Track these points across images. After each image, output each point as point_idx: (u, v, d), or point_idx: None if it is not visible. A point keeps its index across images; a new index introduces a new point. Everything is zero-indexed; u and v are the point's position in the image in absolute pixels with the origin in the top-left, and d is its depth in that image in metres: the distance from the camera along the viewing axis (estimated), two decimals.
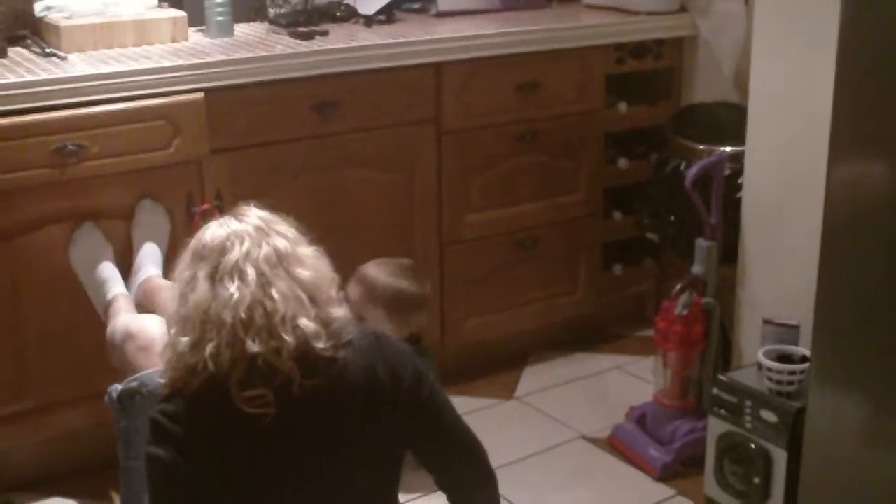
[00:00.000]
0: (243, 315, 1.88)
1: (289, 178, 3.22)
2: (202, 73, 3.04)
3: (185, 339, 1.91)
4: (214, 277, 1.91)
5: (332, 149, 3.29)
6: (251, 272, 1.91)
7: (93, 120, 2.91)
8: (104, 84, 2.92)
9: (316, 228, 3.25)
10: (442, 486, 2.18)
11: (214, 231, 1.96)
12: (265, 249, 1.94)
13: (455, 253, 3.60)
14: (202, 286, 1.91)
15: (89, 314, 2.93)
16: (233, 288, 1.89)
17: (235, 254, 1.92)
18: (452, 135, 3.50)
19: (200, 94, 3.03)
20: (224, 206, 3.08)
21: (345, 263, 3.32)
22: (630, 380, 3.74)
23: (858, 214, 2.51)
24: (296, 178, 3.24)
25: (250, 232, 1.95)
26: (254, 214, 2.00)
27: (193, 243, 1.98)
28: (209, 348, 1.88)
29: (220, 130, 3.09)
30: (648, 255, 4.04)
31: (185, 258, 1.98)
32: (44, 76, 2.90)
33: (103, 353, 2.69)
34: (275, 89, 3.16)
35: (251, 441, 1.92)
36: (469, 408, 3.55)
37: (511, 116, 3.61)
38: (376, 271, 3.14)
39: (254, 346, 1.88)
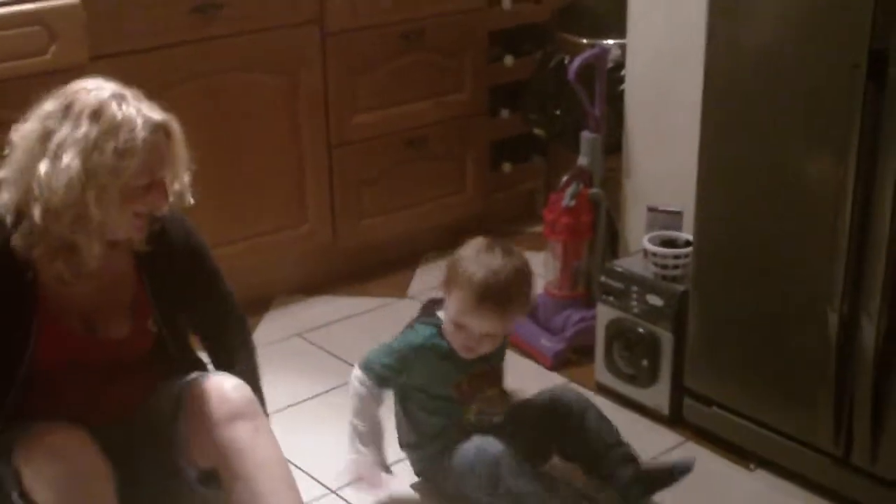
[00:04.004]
0: None
1: (172, 83, 3.17)
2: None
3: None
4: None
5: (215, 53, 3.24)
6: None
7: None
8: None
9: (201, 135, 3.22)
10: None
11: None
12: None
13: (344, 155, 3.59)
14: None
15: None
16: None
17: None
18: (336, 36, 3.47)
19: None
20: None
21: (232, 172, 3.34)
22: None
23: (736, 102, 2.58)
24: (179, 83, 3.19)
25: None
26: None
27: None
28: None
29: (101, 36, 3.02)
30: (536, 152, 4.09)
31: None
32: None
33: None
34: None
35: None
36: (363, 308, 3.59)
37: (395, 16, 3.59)
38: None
39: None
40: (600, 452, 2.60)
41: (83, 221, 2.08)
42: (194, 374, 2.34)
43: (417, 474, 2.69)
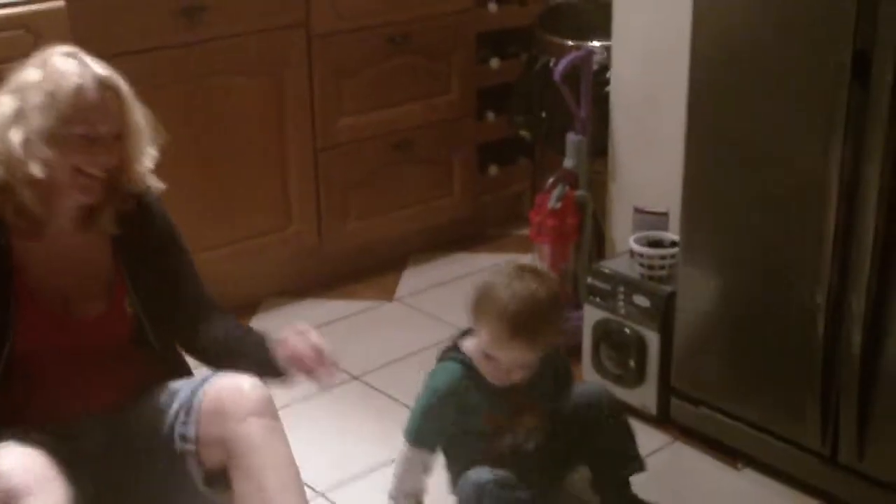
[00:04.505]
0: None
1: (157, 87, 3.14)
2: None
3: None
4: None
5: (200, 56, 3.24)
6: None
7: None
8: None
9: (187, 139, 3.25)
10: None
11: None
12: None
13: (330, 158, 3.59)
14: None
15: None
16: None
17: None
18: (323, 38, 3.47)
19: (62, 2, 2.95)
20: None
21: (217, 175, 3.34)
22: None
23: (722, 102, 2.59)
24: (165, 87, 3.17)
25: None
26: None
27: None
28: None
29: (85, 39, 2.96)
30: (523, 154, 4.09)
31: None
32: None
33: None
34: None
35: None
36: (350, 311, 3.59)
37: (381, 18, 3.59)
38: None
39: None
40: (604, 465, 2.54)
41: (13, 164, 2.09)
42: (206, 374, 2.34)
43: (450, 491, 2.55)
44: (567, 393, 2.57)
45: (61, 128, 2.08)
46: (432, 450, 2.45)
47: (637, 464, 2.55)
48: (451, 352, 2.49)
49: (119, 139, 2.16)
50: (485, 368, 2.41)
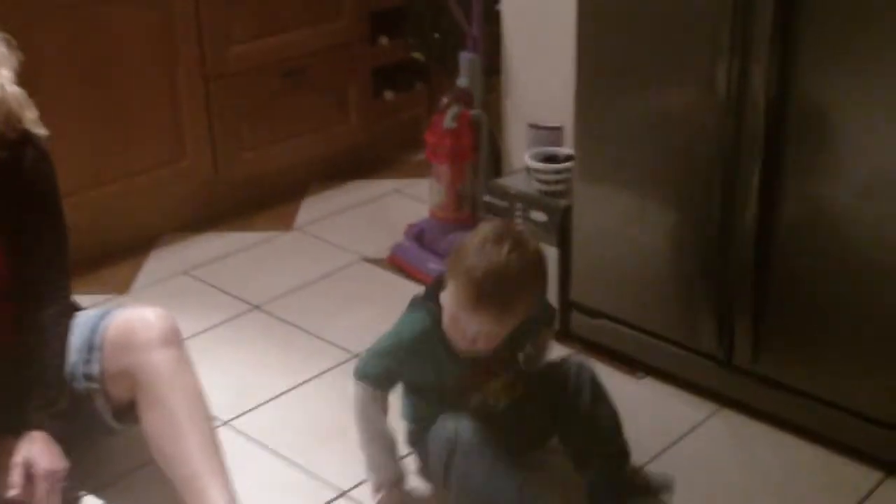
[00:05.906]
0: None
1: (39, 17, 3.06)
2: None
3: None
4: None
5: None
6: None
7: None
8: None
9: (71, 71, 3.16)
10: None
11: None
12: None
13: (221, 87, 3.52)
14: None
15: None
16: None
17: None
18: None
19: None
20: None
21: (105, 109, 3.26)
22: (408, 201, 3.79)
23: (609, 14, 2.59)
24: (46, 17, 3.07)
25: None
26: None
27: None
28: None
29: None
30: (418, 79, 4.06)
31: None
32: None
33: None
34: None
35: None
36: (249, 242, 3.55)
37: None
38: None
39: None
40: (588, 448, 2.36)
41: None
42: (105, 309, 2.33)
43: (408, 444, 2.44)
44: (532, 345, 2.43)
45: None
46: (379, 388, 2.30)
47: (625, 456, 2.38)
48: (426, 300, 2.33)
49: None
50: (449, 331, 2.24)
